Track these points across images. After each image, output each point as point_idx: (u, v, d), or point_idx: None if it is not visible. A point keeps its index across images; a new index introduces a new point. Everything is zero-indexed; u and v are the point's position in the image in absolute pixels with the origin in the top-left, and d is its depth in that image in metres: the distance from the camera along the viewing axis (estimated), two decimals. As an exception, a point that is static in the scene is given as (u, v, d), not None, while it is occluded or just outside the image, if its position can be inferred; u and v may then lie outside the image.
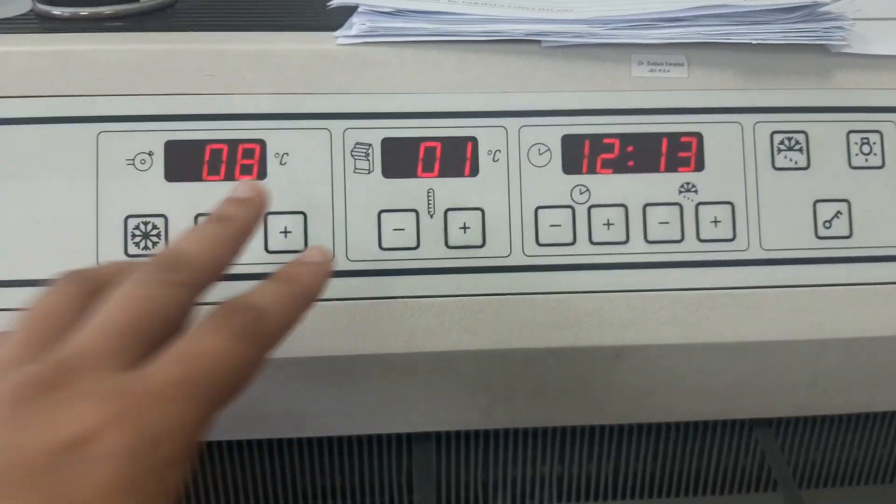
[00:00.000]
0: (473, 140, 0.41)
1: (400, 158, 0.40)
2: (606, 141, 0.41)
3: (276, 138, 0.40)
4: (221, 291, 0.39)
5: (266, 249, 0.39)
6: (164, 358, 0.27)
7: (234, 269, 0.38)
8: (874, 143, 0.42)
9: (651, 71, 0.42)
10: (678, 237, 0.41)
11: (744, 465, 0.51)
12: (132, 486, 0.23)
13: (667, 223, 0.41)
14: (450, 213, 0.40)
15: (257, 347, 0.29)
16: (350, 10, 0.43)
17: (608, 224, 0.41)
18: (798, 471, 0.51)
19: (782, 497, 0.47)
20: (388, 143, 0.40)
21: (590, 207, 0.41)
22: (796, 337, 0.41)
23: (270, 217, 0.39)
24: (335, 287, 0.39)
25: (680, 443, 0.50)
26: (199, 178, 0.39)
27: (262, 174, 0.40)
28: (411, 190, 0.40)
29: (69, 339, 0.27)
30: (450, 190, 0.40)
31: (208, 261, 0.31)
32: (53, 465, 0.23)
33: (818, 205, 0.41)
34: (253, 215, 0.33)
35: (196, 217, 0.39)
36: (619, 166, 0.41)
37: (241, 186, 0.34)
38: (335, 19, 0.43)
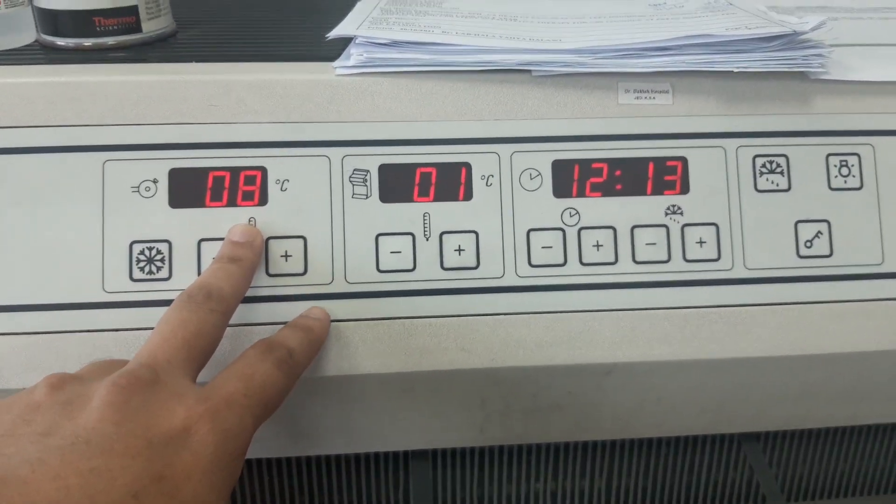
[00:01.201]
0: (467, 165, 0.42)
1: (396, 184, 0.41)
2: (595, 165, 0.43)
3: (277, 165, 0.41)
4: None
5: (267, 273, 0.40)
6: (228, 375, 0.34)
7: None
8: (853, 165, 0.44)
9: (637, 98, 0.43)
10: (665, 258, 0.42)
11: (733, 480, 0.52)
12: (216, 468, 0.31)
13: (654, 244, 0.42)
14: (445, 236, 0.41)
15: (289, 376, 0.36)
16: (348, 42, 0.45)
17: (597, 245, 0.42)
18: (786, 485, 0.52)
19: (771, 510, 0.48)
20: (385, 169, 0.42)
21: (580, 229, 0.42)
22: (781, 353, 0.42)
23: (271, 241, 0.41)
24: (335, 308, 0.40)
25: (670, 458, 0.51)
26: (202, 205, 0.41)
27: (263, 200, 0.41)
28: (408, 214, 0.41)
29: (137, 355, 0.34)
30: (445, 214, 0.42)
31: (232, 293, 0.37)
32: (166, 443, 0.30)
33: (799, 225, 0.43)
34: (257, 255, 0.40)
35: (199, 242, 0.40)
36: (607, 190, 0.42)
37: (238, 230, 0.40)
38: (333, 50, 0.45)
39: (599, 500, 0.51)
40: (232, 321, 0.37)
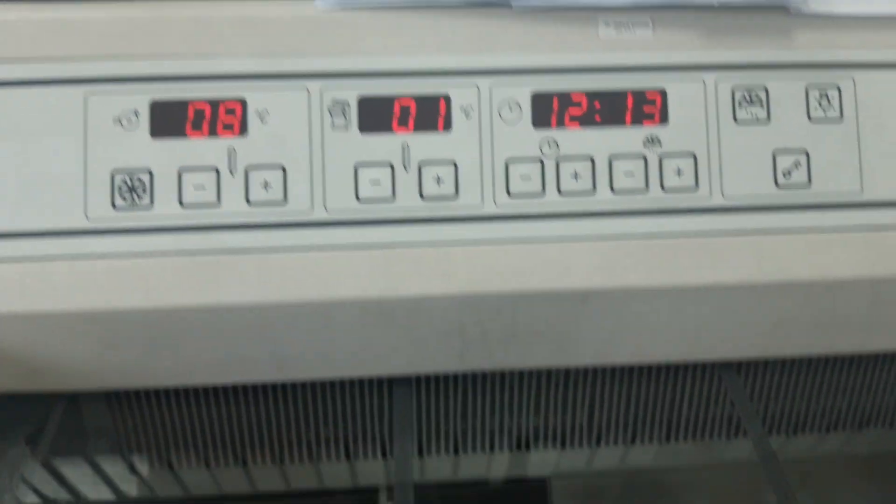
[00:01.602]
0: (447, 97, 0.42)
1: (376, 115, 0.42)
2: (574, 97, 0.43)
3: (257, 97, 0.41)
4: (204, 240, 0.41)
5: (247, 201, 0.41)
6: None
7: (217, 220, 0.41)
8: (833, 97, 0.44)
9: (618, 31, 0.43)
10: (643, 187, 0.42)
11: (714, 413, 0.52)
12: None
13: (632, 174, 0.42)
14: (424, 167, 0.42)
15: None
16: (328, -23, 0.45)
17: (576, 175, 0.42)
18: (767, 418, 0.53)
19: (752, 444, 0.48)
20: (364, 101, 0.42)
21: (558, 160, 0.42)
22: (759, 280, 0.42)
23: (252, 171, 0.41)
24: (314, 236, 0.41)
25: (651, 391, 0.51)
26: (182, 135, 0.41)
27: (243, 131, 0.41)
28: (387, 145, 0.42)
29: None
30: (424, 144, 0.42)
31: None
32: None
33: (778, 155, 0.43)
34: None
35: (180, 171, 0.41)
36: (586, 121, 0.43)
37: None
38: (314, -15, 0.45)
39: (581, 433, 0.52)
40: (212, 248, 0.38)
